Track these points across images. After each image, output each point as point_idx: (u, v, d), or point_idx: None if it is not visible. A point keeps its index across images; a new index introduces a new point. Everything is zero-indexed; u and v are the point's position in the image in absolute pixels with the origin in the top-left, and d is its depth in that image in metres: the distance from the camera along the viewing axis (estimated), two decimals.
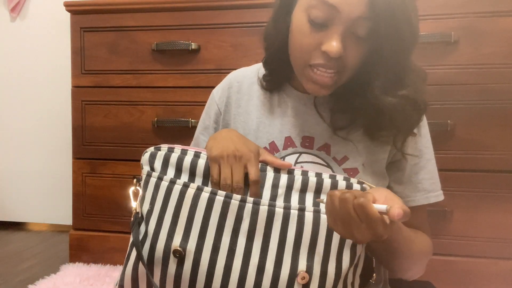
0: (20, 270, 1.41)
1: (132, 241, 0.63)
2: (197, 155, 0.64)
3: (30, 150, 1.90)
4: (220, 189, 0.61)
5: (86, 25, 1.38)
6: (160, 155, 0.65)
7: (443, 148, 1.17)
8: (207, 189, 0.61)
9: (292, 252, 0.58)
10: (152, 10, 1.34)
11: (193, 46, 1.30)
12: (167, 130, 1.35)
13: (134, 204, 0.66)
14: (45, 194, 1.89)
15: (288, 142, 0.73)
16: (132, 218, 0.65)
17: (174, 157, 0.64)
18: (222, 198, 0.60)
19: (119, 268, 1.38)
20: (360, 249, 0.60)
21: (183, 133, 1.34)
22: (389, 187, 0.74)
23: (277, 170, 0.63)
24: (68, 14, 1.40)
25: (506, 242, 1.16)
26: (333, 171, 0.70)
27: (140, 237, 0.62)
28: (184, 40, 1.31)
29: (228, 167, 0.62)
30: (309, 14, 0.61)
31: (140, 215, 0.64)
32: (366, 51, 0.63)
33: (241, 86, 0.80)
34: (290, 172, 0.63)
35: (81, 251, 1.43)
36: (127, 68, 1.37)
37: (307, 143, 0.72)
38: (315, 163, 0.70)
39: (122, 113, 1.38)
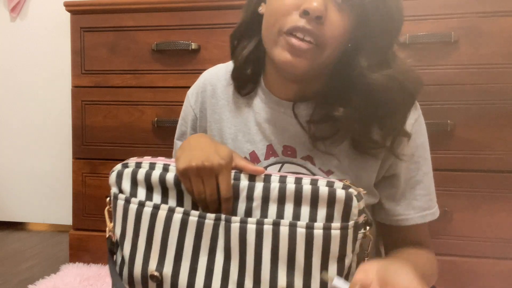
0: (20, 270, 1.41)
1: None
2: (165, 169, 0.60)
3: (30, 150, 1.90)
4: (197, 202, 0.58)
5: (86, 25, 1.38)
6: (127, 173, 0.60)
7: (443, 148, 1.17)
8: (179, 210, 0.58)
9: (270, 268, 0.55)
10: (152, 10, 1.34)
11: (193, 46, 1.30)
12: (167, 130, 1.35)
13: (111, 224, 0.62)
14: (45, 194, 1.89)
15: (270, 151, 0.67)
16: (108, 244, 0.62)
17: (141, 174, 0.60)
18: (196, 219, 0.57)
19: None
20: (349, 261, 0.56)
21: None
22: (380, 203, 0.69)
23: (252, 178, 0.58)
24: (68, 14, 1.40)
25: (506, 242, 1.16)
26: None
27: (119, 262, 0.61)
28: (184, 40, 1.31)
29: (198, 180, 0.56)
30: None
31: (114, 240, 0.62)
32: (348, 24, 0.58)
33: (215, 90, 0.74)
34: (267, 179, 0.57)
35: (81, 251, 1.43)
36: (127, 68, 1.37)
37: (289, 152, 0.67)
38: (300, 173, 0.65)
39: (122, 113, 1.38)
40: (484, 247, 1.18)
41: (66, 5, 1.38)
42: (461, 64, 1.16)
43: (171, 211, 0.58)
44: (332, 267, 0.55)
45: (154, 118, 1.35)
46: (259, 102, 0.70)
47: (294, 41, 0.57)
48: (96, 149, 1.41)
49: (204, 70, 1.31)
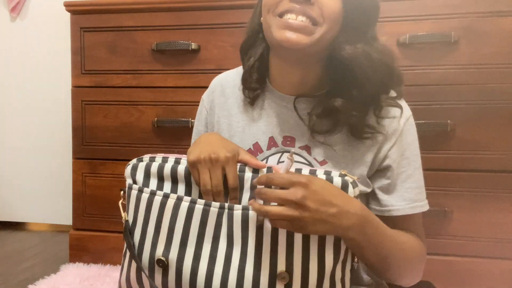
0: (20, 270, 1.41)
1: (125, 251, 0.65)
2: (177, 162, 0.65)
3: (30, 150, 1.90)
4: (203, 193, 0.62)
5: (86, 25, 1.38)
6: (142, 166, 0.66)
7: (443, 148, 1.18)
8: (187, 199, 0.62)
9: (270, 253, 0.58)
10: (152, 10, 1.34)
11: (193, 46, 1.30)
12: (167, 130, 1.35)
13: (125, 213, 0.67)
14: (45, 194, 1.89)
15: (272, 142, 0.73)
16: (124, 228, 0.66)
17: (154, 166, 0.65)
18: (202, 207, 0.61)
19: (119, 268, 1.38)
20: (344, 244, 0.60)
21: (183, 133, 1.34)
22: (374, 195, 0.72)
23: (256, 170, 0.63)
24: (68, 14, 1.40)
25: (506, 242, 1.16)
26: None
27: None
28: (184, 40, 1.31)
29: (206, 171, 0.61)
30: None
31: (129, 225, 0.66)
32: (338, 5, 0.63)
33: (224, 90, 0.81)
34: (269, 171, 0.62)
35: (81, 251, 1.43)
36: (127, 68, 1.37)
37: (289, 141, 0.72)
38: (296, 162, 0.71)
39: (122, 113, 1.38)
40: (484, 247, 1.18)
41: (66, 5, 1.38)
42: (461, 64, 1.16)
43: (179, 200, 0.62)
44: (329, 250, 0.58)
45: (154, 118, 1.35)
46: (264, 99, 0.77)
47: (289, 20, 0.62)
48: (96, 149, 1.41)
49: (204, 70, 1.33)
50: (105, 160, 1.40)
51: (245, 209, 0.60)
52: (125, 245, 0.66)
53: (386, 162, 0.70)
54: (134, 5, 1.34)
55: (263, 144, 0.74)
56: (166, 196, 0.62)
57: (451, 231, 1.19)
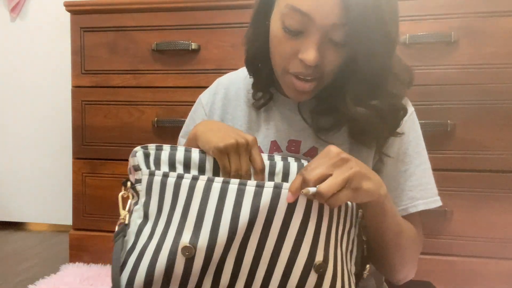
0: (20, 270, 1.41)
1: (129, 249, 0.62)
2: (188, 150, 0.63)
3: (30, 150, 1.90)
4: (233, 178, 0.59)
5: (86, 25, 1.38)
6: (152, 155, 0.65)
7: (443, 148, 1.17)
8: (219, 179, 0.57)
9: (312, 242, 0.54)
10: (152, 10, 1.34)
11: (193, 46, 1.30)
12: (167, 130, 1.35)
13: (124, 211, 0.64)
14: (45, 194, 1.89)
15: (274, 147, 0.73)
16: (117, 228, 0.63)
17: (165, 155, 0.64)
18: (236, 186, 0.56)
19: None
20: (353, 232, 0.61)
21: None
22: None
23: (272, 157, 0.63)
24: (68, 14, 1.40)
25: (506, 242, 1.16)
26: None
27: (144, 240, 0.61)
28: (184, 40, 1.32)
29: (236, 157, 0.60)
30: (283, 22, 0.60)
31: (144, 216, 0.63)
32: (345, 57, 0.62)
33: (227, 93, 0.80)
34: (284, 159, 0.63)
35: (81, 251, 1.43)
36: (127, 68, 1.37)
37: (293, 147, 0.72)
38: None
39: (122, 113, 1.38)
40: (484, 247, 1.18)
41: (66, 5, 1.38)
42: (461, 64, 1.16)
43: (210, 181, 0.57)
44: (345, 237, 0.59)
45: (154, 118, 1.35)
46: (269, 103, 0.76)
47: (298, 84, 0.63)
48: (96, 149, 1.41)
49: (204, 70, 1.33)
50: (105, 160, 1.40)
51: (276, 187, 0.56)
52: (124, 244, 0.63)
53: (383, 161, 0.70)
54: (134, 5, 1.34)
55: (265, 149, 0.73)
56: (195, 179, 0.57)
57: (451, 231, 1.19)
